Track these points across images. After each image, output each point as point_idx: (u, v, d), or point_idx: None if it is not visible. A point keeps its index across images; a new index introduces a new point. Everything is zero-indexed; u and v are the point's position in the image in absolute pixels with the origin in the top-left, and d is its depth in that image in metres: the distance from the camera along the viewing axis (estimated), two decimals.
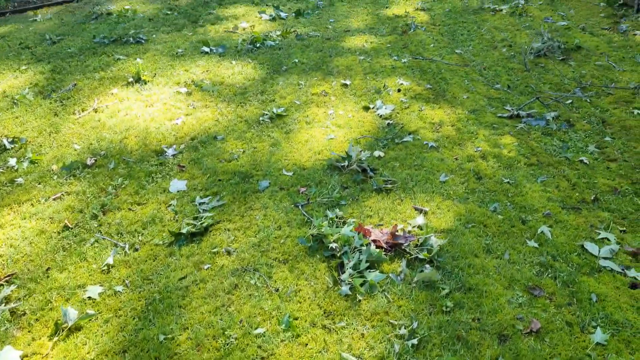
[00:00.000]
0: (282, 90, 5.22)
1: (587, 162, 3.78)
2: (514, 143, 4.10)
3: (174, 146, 4.19)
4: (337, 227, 3.12)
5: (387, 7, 8.05)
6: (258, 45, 6.44)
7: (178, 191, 3.59)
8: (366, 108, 4.82)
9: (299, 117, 4.67)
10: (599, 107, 4.59)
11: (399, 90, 5.16)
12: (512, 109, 4.63)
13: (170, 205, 3.45)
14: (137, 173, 3.83)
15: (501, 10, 7.36)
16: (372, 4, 8.28)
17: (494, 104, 4.80)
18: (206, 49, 6.26)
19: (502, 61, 5.76)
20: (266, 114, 4.69)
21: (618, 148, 3.95)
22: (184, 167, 3.89)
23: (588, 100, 4.71)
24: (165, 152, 4.11)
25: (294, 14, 7.76)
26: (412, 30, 6.97)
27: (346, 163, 3.81)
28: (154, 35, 6.89)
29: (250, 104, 4.95)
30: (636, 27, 6.18)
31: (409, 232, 3.10)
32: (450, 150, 4.05)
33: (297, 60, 5.98)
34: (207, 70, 5.74)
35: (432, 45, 6.38)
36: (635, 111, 4.42)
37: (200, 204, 3.45)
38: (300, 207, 3.38)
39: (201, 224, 3.16)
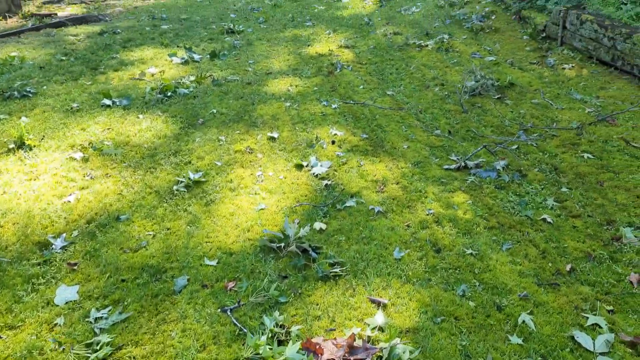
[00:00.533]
0: (200, 149, 4.51)
1: (551, 221, 3.38)
2: (467, 201, 3.64)
3: (64, 234, 3.34)
4: (279, 343, 2.45)
5: (309, 45, 7.60)
6: (169, 94, 5.70)
7: (67, 302, 2.76)
8: (299, 166, 4.21)
9: (222, 182, 3.98)
10: (547, 151, 4.27)
11: (333, 142, 4.62)
12: (458, 159, 4.22)
13: (55, 325, 2.62)
14: (12, 279, 2.96)
15: (427, 45, 7.11)
16: (292, 42, 7.79)
17: (438, 154, 4.36)
18: (108, 102, 5.43)
19: (437, 102, 5.41)
20: (181, 181, 3.96)
21: (578, 201, 3.59)
22: (75, 264, 3.06)
23: (534, 144, 4.40)
24: (52, 244, 3.25)
25: (208, 56, 7.09)
26: (338, 70, 6.53)
27: (283, 244, 3.16)
28: (45, 87, 5.95)
29: (162, 169, 4.19)
30: (563, 61, 6.09)
31: (369, 338, 2.48)
32: (399, 215, 3.52)
33: (215, 111, 5.30)
34: (108, 128, 4.92)
35: (361, 87, 5.94)
36: (585, 155, 4.14)
37: (96, 319, 2.65)
38: (229, 313, 2.67)
39: (96, 355, 2.37)
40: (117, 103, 5.46)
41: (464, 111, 5.16)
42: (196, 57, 7.00)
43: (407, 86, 5.90)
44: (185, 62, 6.86)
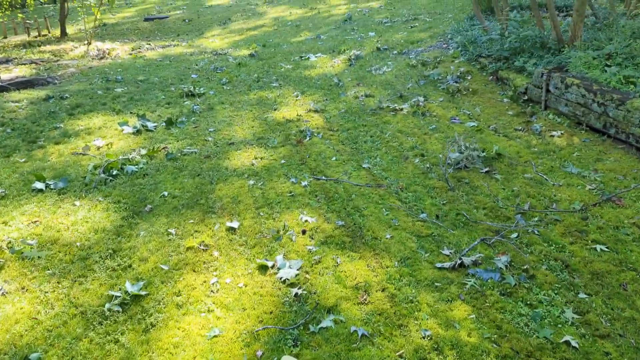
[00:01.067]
0: (144, 247, 3.75)
1: (576, 346, 2.72)
2: (470, 316, 2.97)
3: None
4: None
5: (275, 109, 7.02)
6: (115, 172, 4.96)
7: None
8: (263, 268, 3.49)
9: (167, 295, 3.22)
10: (552, 242, 3.67)
11: (304, 232, 3.93)
12: (452, 254, 3.58)
13: None
14: None
15: (401, 109, 6.62)
16: (257, 105, 7.21)
17: (427, 246, 3.71)
18: (40, 185, 4.65)
19: (419, 177, 4.82)
20: (117, 297, 3.18)
21: (602, 312, 2.96)
22: None
23: (536, 231, 3.80)
24: None
25: (164, 124, 6.42)
26: (308, 138, 5.93)
27: None
28: None
29: (94, 277, 3.41)
30: (550, 127, 5.64)
31: None
32: (389, 341, 2.81)
33: (167, 193, 4.58)
34: (36, 221, 4.12)
35: (334, 159, 5.33)
36: (598, 247, 3.55)
37: None
38: None
39: None
40: (52, 186, 4.68)
41: (450, 188, 4.57)
42: (150, 125, 6.31)
43: (384, 157, 5.31)
44: (138, 132, 6.16)
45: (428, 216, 4.14)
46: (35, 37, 14.54)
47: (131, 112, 6.92)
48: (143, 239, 3.86)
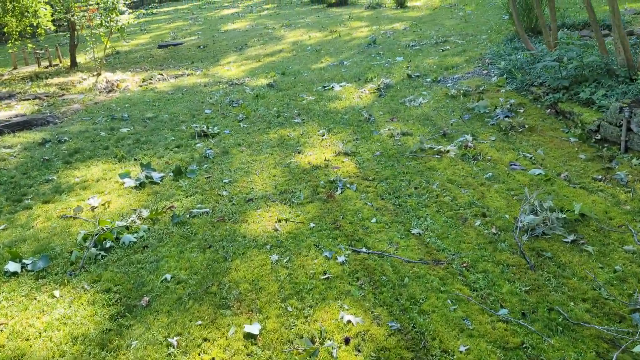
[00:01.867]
0: None
1: None
2: None
3: None
4: None
5: (299, 152, 6.07)
6: (109, 245, 4.02)
7: None
8: None
9: None
10: None
11: (347, 342, 2.93)
12: None
13: None
14: None
15: (447, 152, 5.61)
16: (278, 147, 6.27)
17: None
18: (15, 267, 3.73)
19: (485, 248, 3.79)
20: None
21: None
22: None
23: None
24: None
25: (172, 174, 5.50)
26: (339, 191, 4.95)
27: None
28: None
29: None
30: (638, 174, 4.57)
31: None
32: None
33: (169, 277, 3.62)
34: (0, 324, 3.18)
35: (374, 220, 4.33)
36: None
37: None
38: None
39: None
40: (30, 267, 3.76)
41: (530, 267, 3.53)
42: (156, 176, 5.40)
43: (436, 218, 4.30)
44: (141, 185, 5.24)
45: (510, 313, 3.10)
46: (46, 67, 13.93)
47: (135, 159, 6.03)
48: (134, 353, 2.89)
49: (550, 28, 7.56)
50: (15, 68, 14.11)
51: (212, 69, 12.00)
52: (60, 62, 14.46)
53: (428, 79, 8.50)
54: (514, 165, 5.13)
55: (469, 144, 5.71)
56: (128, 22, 11.28)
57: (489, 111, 6.56)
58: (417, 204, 4.59)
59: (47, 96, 9.46)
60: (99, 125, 7.43)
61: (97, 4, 11.01)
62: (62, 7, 11.75)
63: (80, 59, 14.54)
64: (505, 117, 6.27)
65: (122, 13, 11.19)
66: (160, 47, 15.85)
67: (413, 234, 4.11)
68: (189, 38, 17.01)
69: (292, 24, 17.07)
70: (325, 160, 5.74)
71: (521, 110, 6.40)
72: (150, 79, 10.77)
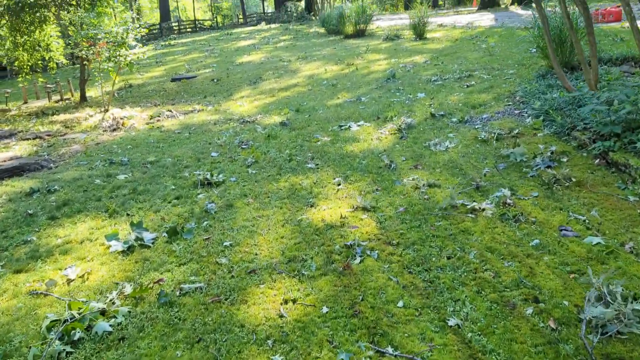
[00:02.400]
0: None
1: None
2: None
3: None
4: None
5: (312, 205, 5.33)
6: (77, 335, 3.28)
7: None
8: None
9: None
10: None
11: None
12: None
13: None
14: None
15: (483, 210, 4.81)
16: (289, 199, 5.53)
17: None
18: None
19: (545, 352, 2.96)
20: None
21: None
22: None
23: None
24: None
25: (166, 234, 4.78)
26: (357, 259, 4.18)
27: None
28: None
29: None
30: None
31: None
32: None
33: None
34: None
35: (400, 304, 3.54)
36: None
37: None
38: None
39: None
40: None
41: None
42: (147, 237, 4.68)
43: (477, 302, 3.48)
44: (129, 249, 4.53)
45: None
46: (57, 101, 13.55)
47: (128, 214, 5.34)
48: None
49: (590, 64, 6.79)
50: (25, 102, 13.77)
51: (224, 104, 11.43)
52: (72, 96, 14.09)
53: (454, 119, 7.75)
54: (565, 230, 4.30)
55: (508, 200, 4.90)
56: (137, 57, 10.81)
57: (526, 159, 5.76)
58: (452, 281, 3.78)
59: (48, 135, 8.93)
60: (96, 171, 6.79)
61: (106, 38, 10.58)
62: (72, 41, 11.36)
63: (92, 92, 14.15)
64: (547, 167, 5.46)
65: (131, 47, 10.73)
66: (173, 80, 15.45)
67: (450, 326, 3.29)
68: (203, 71, 16.61)
69: (308, 57, 16.57)
70: (341, 217, 4.98)
71: (565, 160, 5.58)
72: (159, 116, 10.21)
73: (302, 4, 42.86)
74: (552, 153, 5.71)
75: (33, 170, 6.82)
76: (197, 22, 41.49)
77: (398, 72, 11.96)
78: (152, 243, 4.64)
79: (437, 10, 36.46)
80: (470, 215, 4.77)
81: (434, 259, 4.12)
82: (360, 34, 20.43)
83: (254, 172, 6.52)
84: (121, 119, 10.05)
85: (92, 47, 10.50)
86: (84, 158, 7.45)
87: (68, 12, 11.58)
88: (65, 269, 4.21)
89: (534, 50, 11.45)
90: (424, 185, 5.52)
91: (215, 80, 14.64)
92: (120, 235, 4.72)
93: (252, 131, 8.63)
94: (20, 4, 10.93)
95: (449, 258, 4.11)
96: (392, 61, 13.60)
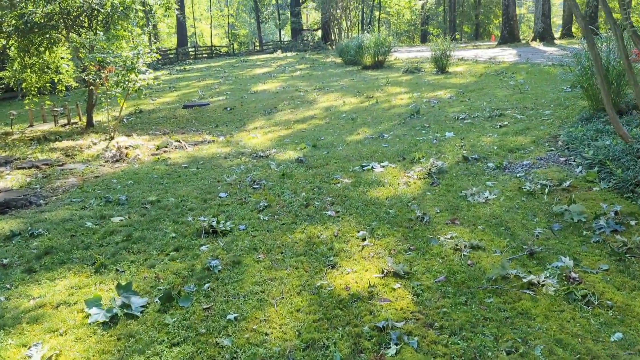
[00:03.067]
0: None
1: None
2: None
3: None
4: None
5: (332, 267, 4.49)
6: None
7: None
8: None
9: None
10: None
11: None
12: None
13: None
14: None
15: (542, 285, 3.93)
16: (306, 257, 4.70)
17: None
18: None
19: None
20: None
21: None
22: None
23: None
24: None
25: (158, 300, 3.95)
26: (392, 348, 3.32)
27: None
28: None
29: None
30: None
31: None
32: None
33: None
34: None
35: None
36: None
37: None
38: None
39: None
40: None
41: None
42: (136, 304, 3.86)
43: None
44: (112, 320, 3.70)
45: None
46: (64, 125, 12.95)
47: (117, 270, 4.53)
48: None
49: None
50: (31, 125, 13.19)
51: (236, 135, 10.73)
52: (80, 120, 13.50)
53: (490, 164, 6.92)
54: None
55: (572, 273, 4.03)
56: (147, 83, 10.18)
57: (586, 220, 4.90)
58: None
59: (46, 164, 8.22)
60: (88, 210, 6.02)
61: (115, 63, 9.98)
62: (82, 64, 10.77)
63: (101, 117, 13.56)
64: (613, 231, 4.59)
65: (141, 73, 10.11)
66: (185, 107, 14.85)
67: None
68: (217, 98, 16.03)
69: (325, 87, 15.94)
70: (369, 285, 4.13)
71: (633, 223, 4.71)
72: (166, 147, 9.50)
73: (319, 33, 42.80)
74: (616, 214, 4.85)
75: (20, 207, 6.07)
76: (213, 48, 41.47)
77: (422, 107, 11.22)
78: (141, 312, 3.81)
79: (456, 43, 36.08)
80: (527, 291, 3.90)
81: (489, 353, 3.24)
82: (378, 65, 19.86)
83: (266, 218, 5.71)
84: (126, 148, 9.35)
85: (100, 71, 9.89)
86: (79, 194, 6.69)
87: (79, 35, 11.05)
88: (30, 346, 3.38)
89: (569, 89, 10.68)
90: (465, 246, 4.67)
91: (228, 108, 14.01)
92: (104, 300, 3.90)
93: (266, 168, 7.86)
94: (29, 25, 10.40)
95: (508, 353, 3.23)
96: (414, 95, 12.89)
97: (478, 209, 5.53)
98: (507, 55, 20.62)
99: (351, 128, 10.28)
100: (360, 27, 39.65)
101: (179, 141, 9.84)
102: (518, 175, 6.38)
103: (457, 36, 42.30)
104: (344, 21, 33.11)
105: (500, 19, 45.83)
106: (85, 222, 5.60)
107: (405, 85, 14.59)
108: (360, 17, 41.88)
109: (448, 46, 16.30)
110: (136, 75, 9.96)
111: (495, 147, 7.63)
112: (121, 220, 5.66)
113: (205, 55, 39.33)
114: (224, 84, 19.43)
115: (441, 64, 16.39)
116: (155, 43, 45.38)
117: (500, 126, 8.78)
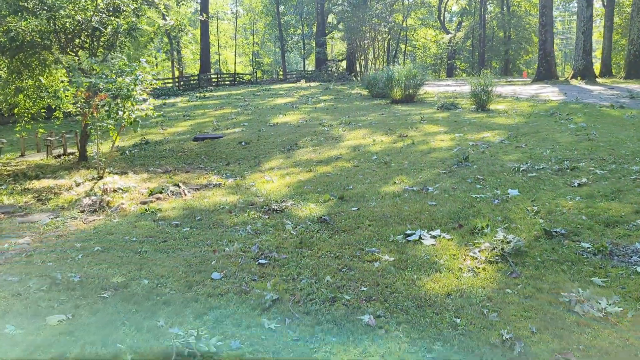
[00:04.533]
0: None
1: None
2: None
3: None
4: None
5: None
6: None
7: None
8: None
9: None
10: None
11: None
12: None
13: None
14: None
15: None
16: None
17: None
18: None
19: None
20: None
21: None
22: None
23: None
24: None
25: None
26: None
27: None
28: None
29: None
30: None
31: None
32: None
33: None
34: None
35: None
36: None
37: None
38: None
39: None
40: None
41: None
42: None
43: None
44: None
45: None
46: (58, 156, 11.32)
47: None
48: None
49: None
50: (22, 155, 11.58)
51: (248, 177, 8.92)
52: (78, 150, 11.86)
53: (585, 244, 4.93)
54: None
55: None
56: (145, 114, 8.48)
57: None
58: None
59: (6, 213, 6.46)
60: (22, 299, 4.16)
61: (108, 90, 8.32)
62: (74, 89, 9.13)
63: (103, 148, 11.90)
64: None
65: (137, 102, 8.42)
66: (196, 139, 13.16)
67: None
68: (232, 130, 14.34)
69: (352, 122, 14.13)
70: None
71: None
72: (161, 192, 7.70)
73: (344, 64, 41.47)
74: None
75: None
76: (236, 75, 40.36)
77: (469, 152, 9.28)
78: None
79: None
80: None
81: None
82: (409, 99, 18.05)
83: (273, 326, 3.78)
84: (114, 191, 7.59)
85: (91, 99, 8.24)
86: (20, 268, 4.83)
87: (76, 55, 9.46)
88: None
89: None
90: None
91: (243, 143, 12.26)
92: None
93: (279, 229, 5.98)
94: (16, 42, 8.85)
95: None
96: (456, 136, 10.97)
97: (597, 332, 3.52)
98: (550, 93, 18.66)
99: (385, 175, 8.38)
100: (385, 59, 38.18)
101: (178, 185, 8.04)
102: (638, 268, 4.37)
103: (487, 71, 40.50)
104: (370, 52, 31.61)
105: (530, 55, 44.04)
106: (5, 324, 3.73)
107: (443, 124, 12.70)
108: (385, 49, 40.48)
109: (490, 81, 14.41)
110: (132, 105, 8.27)
111: (583, 217, 5.64)
112: (60, 321, 3.78)
113: (228, 82, 38.18)
114: (242, 114, 17.81)
115: (481, 101, 14.49)
116: (177, 69, 44.49)
117: (579, 184, 6.78)
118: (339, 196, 7.30)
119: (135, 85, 8.28)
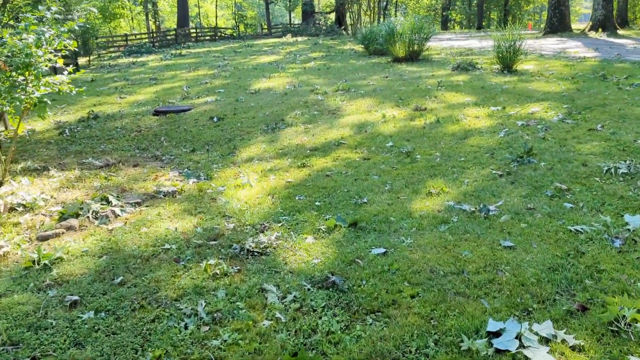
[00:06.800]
0: None
1: None
2: None
3: None
4: None
5: None
6: None
7: None
8: None
9: None
10: None
11: None
12: None
13: None
14: None
15: None
16: None
17: None
18: None
19: None
20: None
21: None
22: None
23: None
24: None
25: None
26: None
27: None
28: None
29: None
30: None
31: None
32: None
33: None
34: None
35: None
36: None
37: None
38: None
39: None
40: None
41: None
42: None
43: None
44: None
45: None
46: None
47: None
48: None
49: None
50: None
51: (216, 176, 6.12)
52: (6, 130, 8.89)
53: None
54: None
55: None
56: (60, 90, 5.55)
57: None
58: None
59: None
60: None
61: (8, 56, 5.34)
62: None
63: (38, 125, 8.95)
64: None
65: (47, 74, 5.46)
66: (157, 113, 10.15)
67: None
68: (204, 99, 11.32)
69: (352, 88, 11.17)
70: None
71: None
72: (78, 214, 4.88)
73: (332, 16, 37.75)
74: None
75: None
76: (217, 30, 36.47)
77: (524, 138, 6.52)
78: None
79: (483, 32, 31.03)
80: None
81: None
82: (414, 57, 15.04)
83: None
84: (10, 210, 4.77)
85: None
86: None
87: None
88: None
89: None
90: None
91: (215, 118, 9.33)
92: None
93: (256, 309, 3.28)
94: None
95: None
96: (492, 111, 8.15)
97: None
98: (576, 48, 15.74)
99: (411, 176, 5.64)
100: (377, 12, 34.52)
101: (108, 199, 5.20)
102: None
103: (485, 23, 37.14)
104: (365, 2, 28.06)
105: (531, 6, 40.57)
106: None
107: (468, 91, 9.83)
108: (376, 0, 36.66)
109: (518, 36, 11.46)
110: (36, 78, 5.31)
111: None
112: None
113: (208, 37, 34.41)
114: (219, 77, 14.70)
115: (507, 61, 11.58)
116: (154, 23, 40.20)
117: None
118: (350, 222, 4.55)
119: (38, 47, 5.29)
